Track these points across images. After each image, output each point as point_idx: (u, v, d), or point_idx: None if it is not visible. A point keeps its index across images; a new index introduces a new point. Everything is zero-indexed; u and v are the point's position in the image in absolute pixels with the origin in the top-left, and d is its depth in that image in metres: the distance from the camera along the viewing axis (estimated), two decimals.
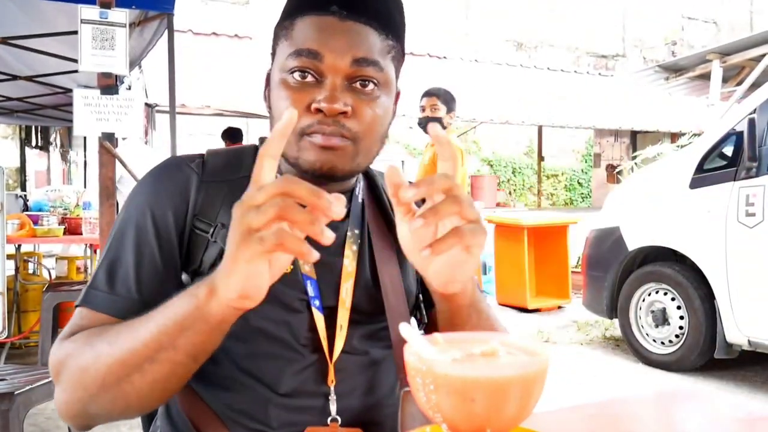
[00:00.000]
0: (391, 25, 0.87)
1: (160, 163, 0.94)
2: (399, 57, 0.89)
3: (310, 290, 0.88)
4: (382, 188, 1.01)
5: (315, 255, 0.61)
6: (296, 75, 0.83)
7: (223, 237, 0.84)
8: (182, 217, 0.88)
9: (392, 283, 0.93)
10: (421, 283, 0.99)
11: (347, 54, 0.82)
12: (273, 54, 0.89)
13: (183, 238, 0.88)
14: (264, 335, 0.86)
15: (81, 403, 0.76)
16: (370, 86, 0.84)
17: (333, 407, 0.87)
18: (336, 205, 0.61)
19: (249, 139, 8.74)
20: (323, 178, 0.86)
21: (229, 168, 0.93)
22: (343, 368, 0.88)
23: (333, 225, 0.86)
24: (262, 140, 0.95)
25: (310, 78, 0.83)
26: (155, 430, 0.97)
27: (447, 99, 4.21)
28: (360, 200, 0.97)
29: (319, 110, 0.81)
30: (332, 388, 0.87)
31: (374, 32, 0.84)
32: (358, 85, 0.84)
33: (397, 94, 0.93)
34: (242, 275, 0.64)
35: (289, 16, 0.86)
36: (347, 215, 0.93)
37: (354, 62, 0.82)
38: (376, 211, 0.98)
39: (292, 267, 0.87)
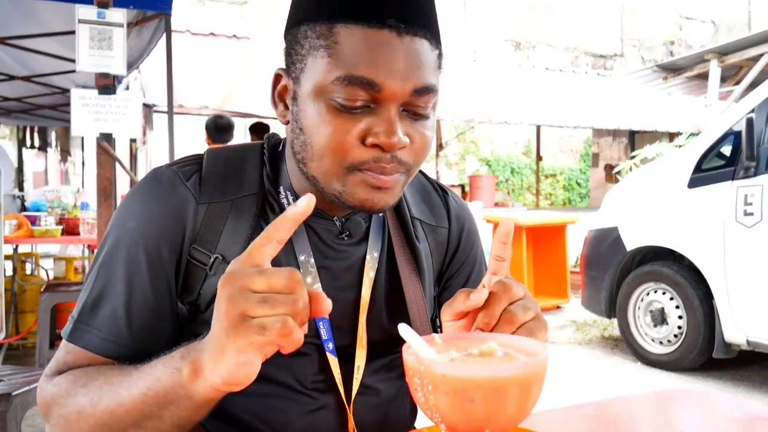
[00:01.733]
0: (438, 31, 0.76)
1: (149, 177, 0.82)
2: (443, 61, 0.79)
3: (323, 333, 0.81)
4: (404, 195, 0.92)
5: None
6: (345, 102, 0.71)
7: (222, 272, 0.79)
8: (178, 245, 0.79)
9: (416, 300, 0.87)
10: (436, 304, 0.96)
11: (409, 83, 0.71)
12: (295, 56, 0.75)
13: (179, 267, 0.80)
14: (266, 380, 0.79)
15: None
16: (427, 111, 0.75)
17: None
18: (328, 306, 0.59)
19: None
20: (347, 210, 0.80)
21: (229, 183, 0.82)
22: (358, 410, 0.83)
23: (350, 252, 0.85)
24: (270, 138, 0.89)
25: (360, 102, 0.71)
26: None
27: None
28: (381, 215, 0.89)
29: (375, 144, 0.72)
30: None
31: (429, 46, 0.73)
32: (413, 110, 0.74)
33: None
34: (231, 364, 0.57)
35: (326, 18, 0.71)
36: (365, 237, 0.86)
37: (415, 91, 0.72)
38: (398, 224, 0.90)
39: None
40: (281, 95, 0.79)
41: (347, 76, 0.69)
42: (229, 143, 3.19)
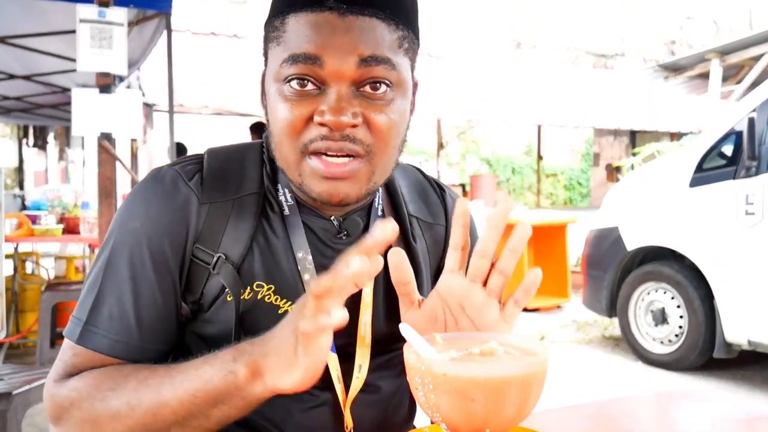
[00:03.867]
0: (402, 11, 0.74)
1: (151, 177, 0.82)
2: (413, 46, 0.77)
3: None
4: (401, 193, 0.92)
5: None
6: (294, 84, 0.72)
7: (225, 272, 0.78)
8: (181, 245, 0.79)
9: None
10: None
11: (352, 54, 0.70)
12: (265, 56, 0.79)
13: (182, 267, 0.79)
14: None
15: None
16: (382, 89, 0.73)
17: None
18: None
19: None
20: (334, 207, 0.80)
21: (230, 182, 0.82)
22: (357, 408, 0.83)
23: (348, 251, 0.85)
24: (266, 136, 0.87)
25: (310, 86, 0.72)
26: None
27: None
28: (380, 213, 0.89)
29: (322, 124, 0.72)
30: None
31: (382, 24, 0.72)
32: (367, 88, 0.73)
33: (415, 85, 0.82)
34: (302, 368, 0.62)
35: (279, 13, 0.75)
36: (365, 231, 0.86)
37: (361, 62, 0.71)
38: (396, 220, 0.88)
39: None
40: (263, 91, 0.81)
41: (291, 55, 0.72)
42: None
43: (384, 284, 0.87)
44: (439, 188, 0.97)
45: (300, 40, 0.71)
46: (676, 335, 4.01)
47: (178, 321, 0.81)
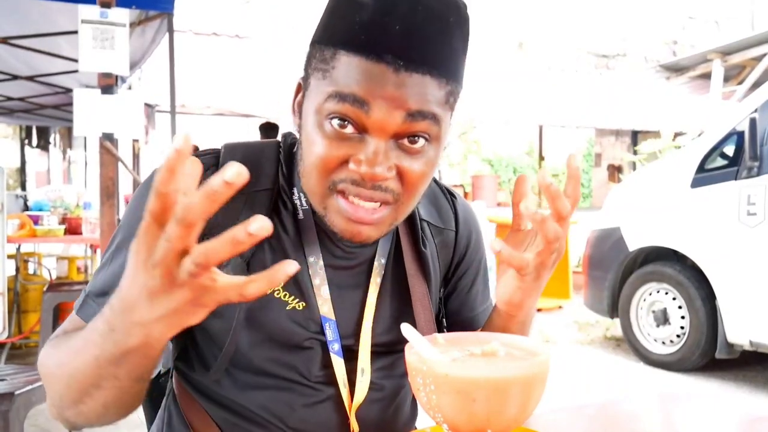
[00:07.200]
0: (452, 68, 0.73)
1: None
2: (457, 97, 0.76)
3: (330, 334, 0.82)
4: None
5: None
6: (335, 122, 0.71)
7: (234, 265, 0.78)
8: None
9: (422, 302, 0.88)
10: (442, 305, 0.98)
11: (400, 108, 0.69)
12: (306, 72, 0.77)
13: None
14: (270, 373, 0.82)
15: (56, 410, 0.72)
16: (420, 142, 0.73)
17: None
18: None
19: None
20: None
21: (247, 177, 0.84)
22: (364, 409, 0.85)
23: (357, 254, 0.86)
24: (286, 137, 0.89)
25: (350, 129, 0.71)
26: None
27: None
28: None
29: (356, 171, 0.72)
30: None
31: (433, 81, 0.70)
32: (405, 141, 0.72)
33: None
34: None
35: (329, 43, 0.72)
36: (376, 242, 0.86)
37: (407, 117, 0.70)
38: (407, 227, 0.91)
39: (305, 304, 0.82)
40: (300, 104, 0.80)
41: (337, 93, 0.70)
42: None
43: (391, 288, 0.88)
44: (450, 195, 0.99)
45: (349, 80, 0.69)
46: (678, 336, 4.01)
47: None
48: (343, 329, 0.84)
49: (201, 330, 0.83)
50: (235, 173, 0.44)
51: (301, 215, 0.84)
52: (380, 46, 0.68)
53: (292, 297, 0.82)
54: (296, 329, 0.81)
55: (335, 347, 0.83)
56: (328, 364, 0.83)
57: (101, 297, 0.77)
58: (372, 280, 0.86)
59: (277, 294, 0.81)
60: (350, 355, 0.84)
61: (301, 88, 0.79)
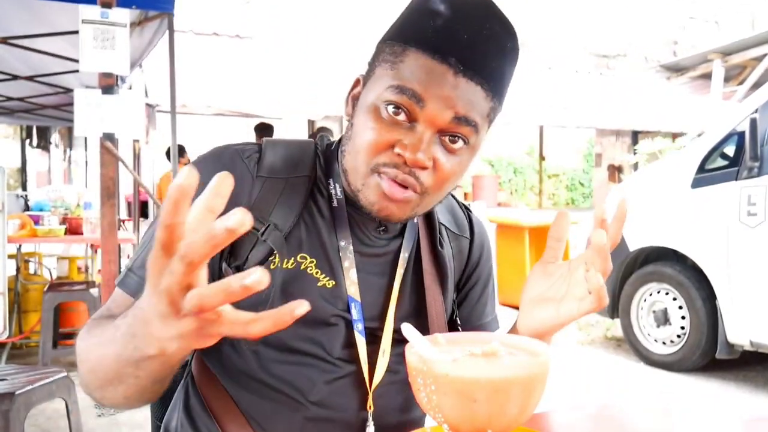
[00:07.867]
0: (500, 87, 0.82)
1: (210, 153, 0.90)
2: (496, 117, 0.85)
3: (355, 313, 0.88)
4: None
5: None
6: (390, 109, 0.79)
7: (273, 238, 0.84)
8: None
9: (435, 300, 0.94)
10: (455, 306, 1.03)
11: (450, 109, 0.77)
12: (371, 66, 0.84)
13: None
14: (293, 351, 0.86)
15: (84, 388, 0.74)
16: (459, 144, 0.81)
17: (370, 430, 0.88)
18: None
19: (279, 135, 8.70)
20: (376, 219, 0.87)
21: (287, 164, 0.90)
22: (380, 390, 0.89)
23: (385, 244, 0.92)
24: (322, 138, 0.96)
25: (402, 116, 0.79)
26: (170, 420, 0.95)
27: None
28: (416, 220, 0.96)
29: (399, 155, 0.79)
30: (370, 413, 0.88)
31: (482, 92, 0.79)
32: (447, 139, 0.80)
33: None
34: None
35: (402, 40, 0.80)
36: (402, 233, 0.94)
37: (454, 118, 0.78)
38: (427, 228, 0.98)
39: (334, 282, 0.87)
40: (355, 97, 0.87)
41: (399, 86, 0.78)
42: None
43: (411, 282, 0.94)
44: (465, 207, 1.07)
45: (412, 76, 0.78)
46: (678, 336, 4.01)
47: (213, 280, 0.82)
48: (367, 312, 0.89)
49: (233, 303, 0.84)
50: (239, 222, 0.46)
51: (335, 203, 0.90)
52: (447, 48, 0.77)
53: (324, 275, 0.87)
54: (324, 305, 0.86)
55: (359, 326, 0.88)
56: (350, 343, 0.88)
57: (143, 269, 0.77)
58: (397, 270, 0.92)
59: (310, 270, 0.87)
60: (372, 339, 0.89)
61: (359, 83, 0.86)
